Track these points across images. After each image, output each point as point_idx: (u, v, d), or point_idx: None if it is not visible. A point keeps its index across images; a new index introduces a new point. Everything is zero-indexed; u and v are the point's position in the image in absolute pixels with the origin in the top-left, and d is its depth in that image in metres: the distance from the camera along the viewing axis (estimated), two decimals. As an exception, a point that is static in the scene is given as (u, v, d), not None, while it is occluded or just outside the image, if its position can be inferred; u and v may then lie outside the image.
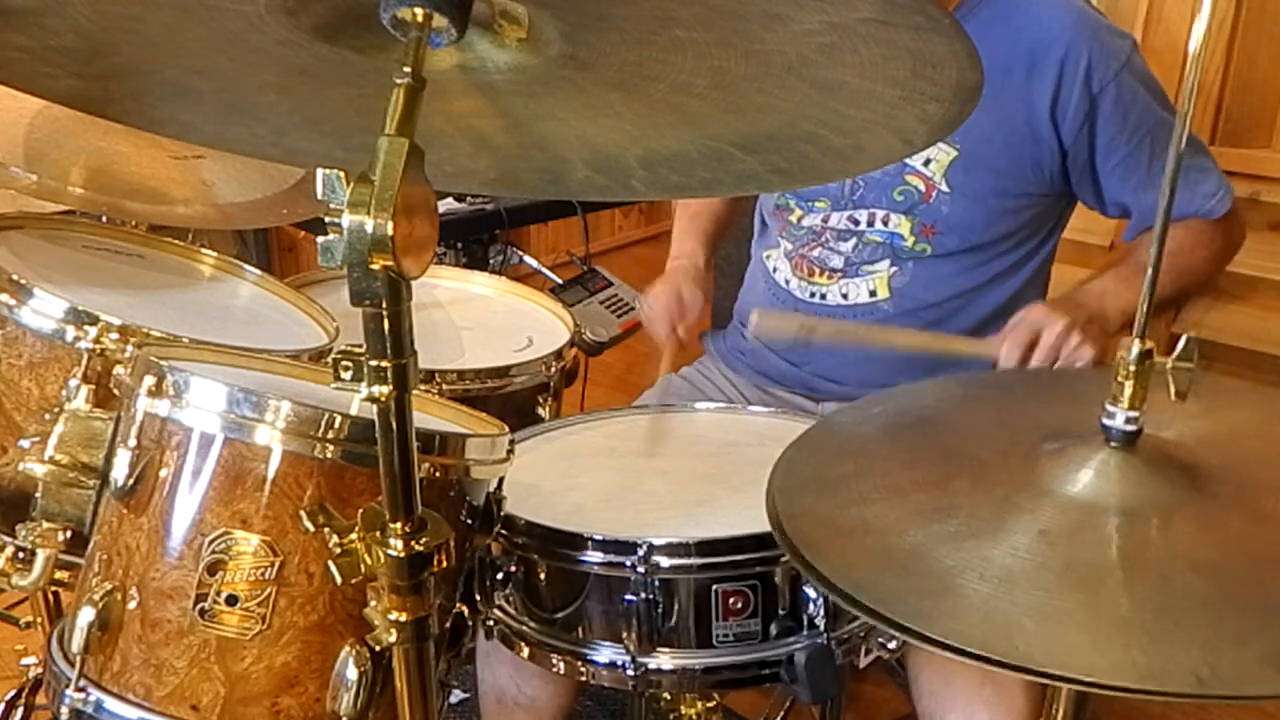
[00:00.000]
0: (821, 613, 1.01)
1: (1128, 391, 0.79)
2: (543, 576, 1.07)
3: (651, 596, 1.00)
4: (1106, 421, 0.80)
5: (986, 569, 0.72)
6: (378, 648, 0.75)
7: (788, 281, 1.56)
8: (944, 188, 1.43)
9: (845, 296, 1.50)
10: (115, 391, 0.98)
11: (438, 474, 0.92)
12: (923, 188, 1.45)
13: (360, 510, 0.74)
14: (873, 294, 1.49)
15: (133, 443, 0.90)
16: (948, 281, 1.47)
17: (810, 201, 1.51)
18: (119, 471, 0.90)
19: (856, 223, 1.49)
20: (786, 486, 0.87)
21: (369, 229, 0.60)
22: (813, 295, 1.53)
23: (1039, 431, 0.88)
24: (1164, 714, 1.96)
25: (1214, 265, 1.50)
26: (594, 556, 1.02)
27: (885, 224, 1.47)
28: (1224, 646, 0.65)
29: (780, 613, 1.02)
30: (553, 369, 1.48)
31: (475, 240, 2.51)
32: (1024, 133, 1.39)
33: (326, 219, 0.61)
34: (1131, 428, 0.80)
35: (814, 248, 1.52)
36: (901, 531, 0.78)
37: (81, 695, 0.89)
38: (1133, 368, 0.78)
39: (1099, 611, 0.68)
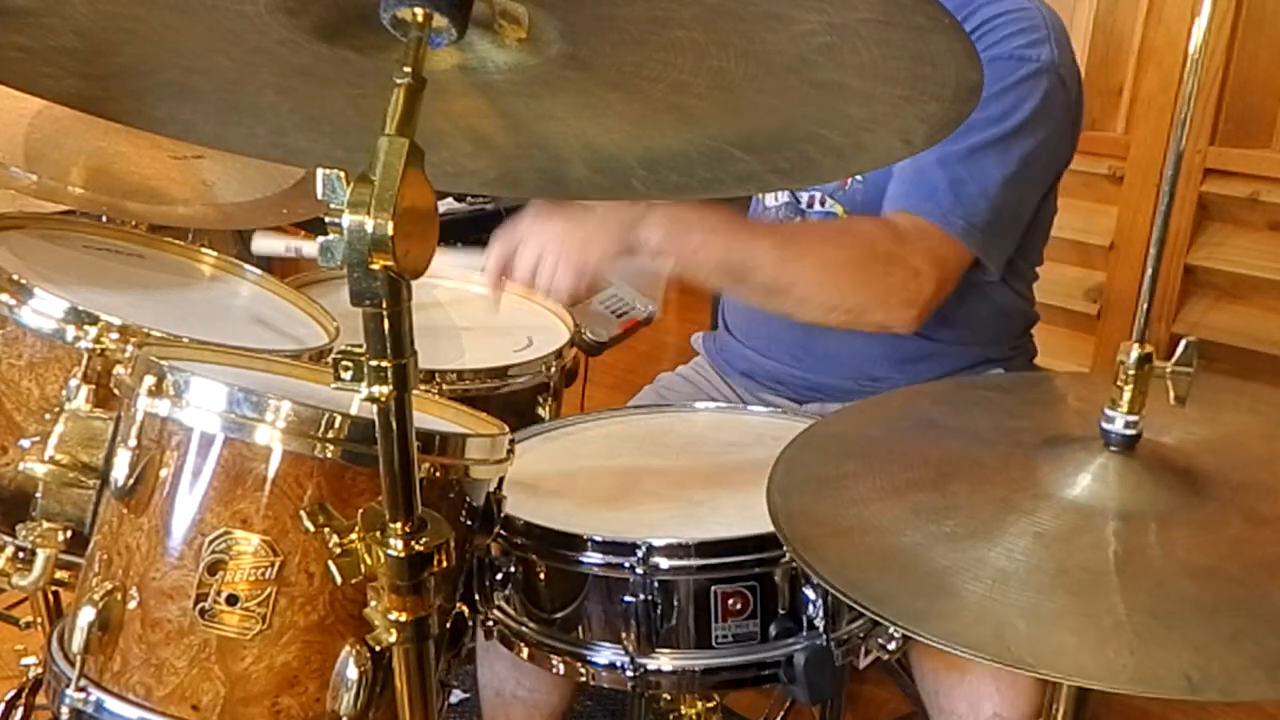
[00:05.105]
0: (821, 614, 1.01)
1: (1127, 396, 0.79)
2: (542, 577, 1.07)
3: (651, 597, 1.00)
4: (1106, 426, 0.80)
5: (981, 570, 0.72)
6: (378, 648, 0.75)
7: None
8: (857, 175, 1.42)
9: None
10: (115, 391, 0.98)
11: (438, 474, 0.92)
12: None
13: (360, 510, 0.74)
14: None
15: (133, 442, 0.90)
16: None
17: None
18: (119, 471, 0.90)
19: (798, 200, 1.50)
20: (786, 486, 0.87)
21: (369, 229, 0.60)
22: None
23: (1038, 435, 0.88)
24: (1164, 714, 1.96)
25: (851, 298, 1.23)
26: (593, 557, 1.02)
27: (823, 205, 1.47)
28: (1215, 649, 0.65)
29: (779, 613, 1.02)
30: (553, 369, 1.48)
31: (475, 240, 2.51)
32: None
33: (326, 219, 0.61)
34: (1130, 432, 0.80)
35: None
36: (899, 531, 0.79)
37: (82, 695, 0.89)
38: (1132, 372, 0.78)
39: (1092, 614, 0.69)
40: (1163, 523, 0.76)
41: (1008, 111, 1.31)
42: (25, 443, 1.09)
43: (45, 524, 0.98)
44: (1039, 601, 0.70)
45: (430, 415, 1.10)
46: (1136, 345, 0.78)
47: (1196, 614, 0.68)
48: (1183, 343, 0.78)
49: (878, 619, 0.71)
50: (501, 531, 1.04)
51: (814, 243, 1.26)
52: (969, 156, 1.30)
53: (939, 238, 1.27)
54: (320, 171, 0.61)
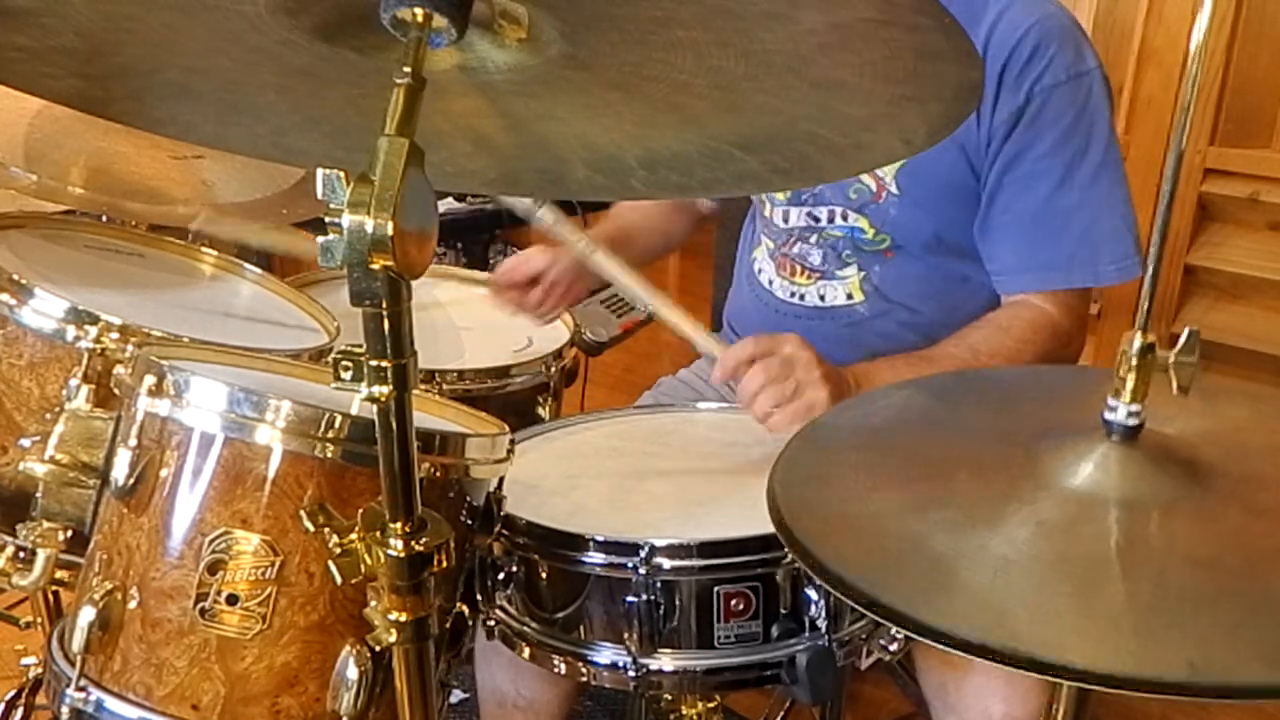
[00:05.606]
0: (823, 614, 1.01)
1: (1129, 385, 0.78)
2: (544, 577, 1.07)
3: (653, 597, 1.00)
4: (1108, 415, 0.80)
5: (983, 558, 0.72)
6: (378, 648, 0.75)
7: (771, 282, 1.56)
8: (893, 189, 1.42)
9: (823, 298, 1.50)
10: (115, 391, 0.98)
11: (438, 474, 0.92)
12: (874, 187, 1.43)
13: (360, 510, 0.74)
14: (849, 297, 1.48)
15: (133, 442, 0.90)
16: (921, 282, 1.45)
17: (773, 195, 1.51)
18: (119, 471, 0.90)
19: (816, 219, 1.49)
20: (787, 480, 0.87)
21: (369, 229, 0.60)
22: (793, 295, 1.52)
23: (1040, 425, 0.88)
24: (1164, 714, 1.96)
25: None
26: (595, 557, 1.02)
27: (845, 219, 1.46)
28: (1216, 637, 0.65)
29: (782, 614, 1.02)
30: (553, 369, 1.48)
31: (475, 240, 2.52)
32: (962, 133, 1.34)
33: (326, 219, 0.61)
34: (1133, 421, 0.79)
35: (793, 244, 1.52)
36: (900, 520, 0.78)
37: (82, 695, 0.89)
38: (1135, 361, 0.78)
39: (1093, 602, 0.68)
40: (1164, 512, 0.76)
41: (1091, 133, 1.34)
42: (25, 442, 1.09)
43: (45, 524, 0.98)
44: (1040, 589, 0.70)
45: (430, 415, 1.10)
46: (1139, 333, 0.77)
47: (1197, 604, 0.68)
48: (1185, 331, 0.77)
49: (878, 617, 0.71)
50: (503, 531, 1.04)
51: (999, 355, 1.33)
52: (1086, 197, 1.34)
53: (1092, 294, 1.36)
54: (320, 171, 0.61)
